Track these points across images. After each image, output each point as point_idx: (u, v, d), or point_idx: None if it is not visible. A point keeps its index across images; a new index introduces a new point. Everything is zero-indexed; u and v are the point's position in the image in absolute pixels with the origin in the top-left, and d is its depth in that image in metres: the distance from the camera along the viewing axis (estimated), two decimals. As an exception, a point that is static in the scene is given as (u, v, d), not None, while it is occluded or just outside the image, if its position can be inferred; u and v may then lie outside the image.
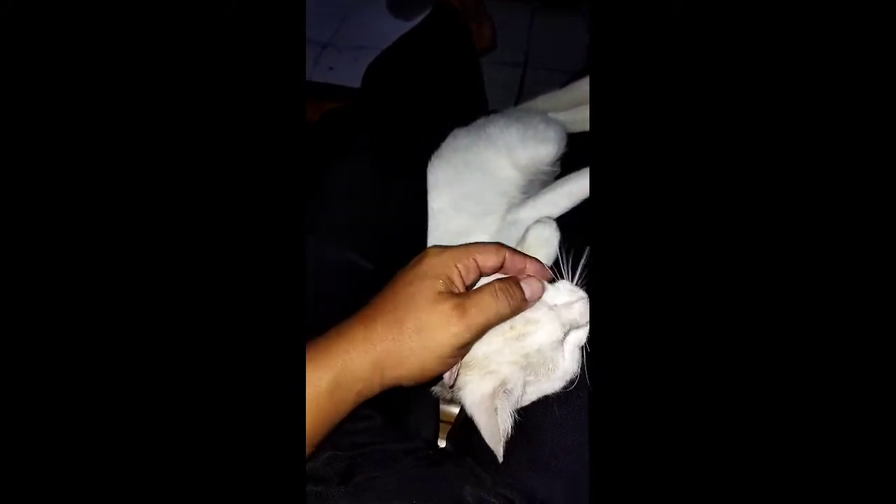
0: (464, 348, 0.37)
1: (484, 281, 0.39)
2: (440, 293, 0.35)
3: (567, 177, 0.56)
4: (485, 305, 0.35)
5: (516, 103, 1.28)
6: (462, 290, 0.37)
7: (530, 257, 0.40)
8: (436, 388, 0.43)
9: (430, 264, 0.36)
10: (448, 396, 0.43)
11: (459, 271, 0.37)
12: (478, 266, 0.37)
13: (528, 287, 0.38)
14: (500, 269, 0.39)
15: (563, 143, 0.63)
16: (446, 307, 0.34)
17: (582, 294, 0.42)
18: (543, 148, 0.61)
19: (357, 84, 0.74)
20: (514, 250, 0.39)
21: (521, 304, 0.38)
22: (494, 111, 0.75)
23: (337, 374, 0.33)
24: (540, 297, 0.39)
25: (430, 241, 0.58)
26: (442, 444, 0.52)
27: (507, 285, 0.37)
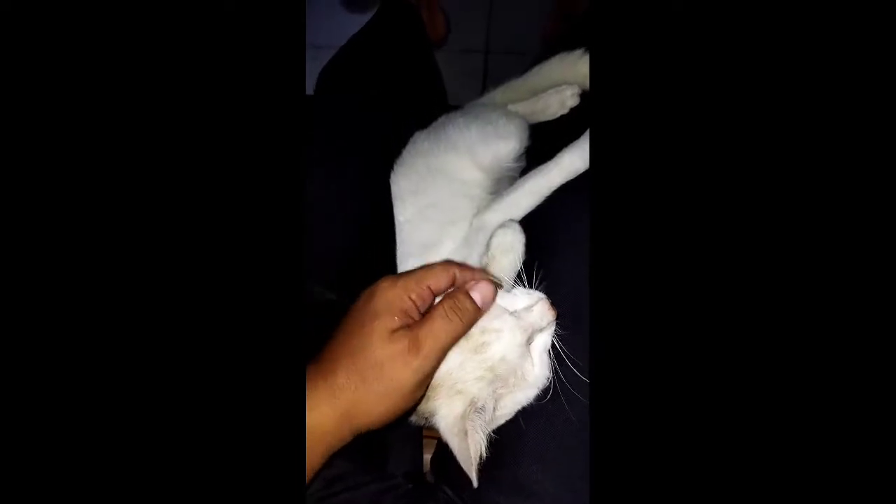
0: (428, 378, 0.36)
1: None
2: (394, 331, 0.34)
3: (528, 175, 0.54)
4: (438, 330, 0.35)
5: (482, 91, 1.26)
6: (418, 318, 0.36)
7: (477, 269, 0.40)
8: (412, 418, 0.42)
9: (384, 300, 0.35)
10: (423, 423, 0.42)
11: (414, 302, 0.36)
12: (431, 292, 0.37)
13: (478, 293, 0.38)
14: (451, 286, 0.39)
15: (526, 136, 0.61)
16: (401, 346, 0.34)
17: (539, 295, 0.41)
18: (505, 145, 0.59)
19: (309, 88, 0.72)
20: (461, 265, 0.39)
21: (474, 315, 0.38)
22: (455, 107, 0.73)
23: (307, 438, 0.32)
24: (493, 299, 0.39)
25: (399, 256, 0.56)
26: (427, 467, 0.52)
27: (455, 301, 0.36)
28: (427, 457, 0.53)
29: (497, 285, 0.40)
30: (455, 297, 0.37)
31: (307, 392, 0.33)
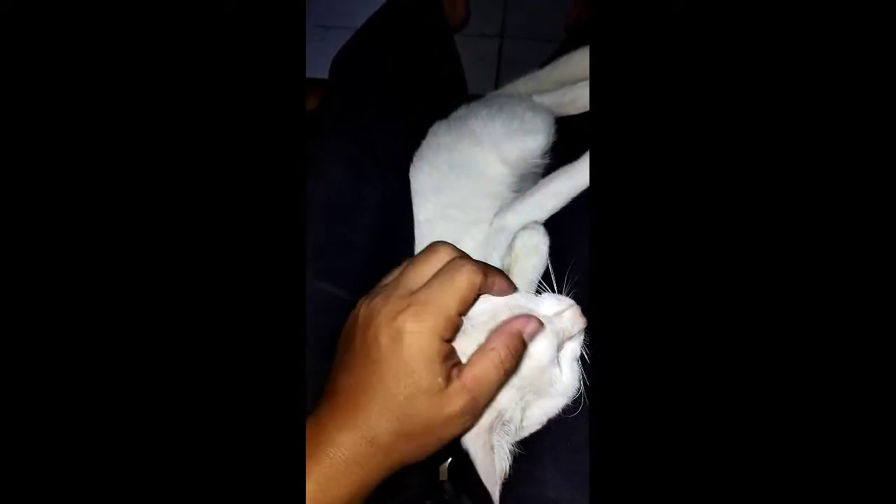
0: None
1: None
2: (442, 391, 0.31)
3: (552, 175, 0.52)
4: (492, 383, 0.33)
5: (497, 76, 1.22)
6: (456, 356, 0.34)
7: (500, 275, 0.37)
8: None
9: (418, 354, 0.31)
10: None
11: (449, 341, 0.33)
12: (462, 319, 0.34)
13: (529, 335, 0.35)
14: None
15: (553, 130, 0.59)
16: (457, 408, 0.32)
17: (569, 302, 0.40)
18: (532, 140, 0.56)
19: (320, 68, 0.68)
20: (486, 270, 0.34)
21: (522, 354, 0.35)
22: (475, 96, 0.70)
23: (356, 493, 0.32)
24: (537, 333, 0.36)
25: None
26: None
27: (510, 352, 0.33)
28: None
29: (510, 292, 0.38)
30: (511, 346, 0.34)
31: (361, 454, 0.31)
